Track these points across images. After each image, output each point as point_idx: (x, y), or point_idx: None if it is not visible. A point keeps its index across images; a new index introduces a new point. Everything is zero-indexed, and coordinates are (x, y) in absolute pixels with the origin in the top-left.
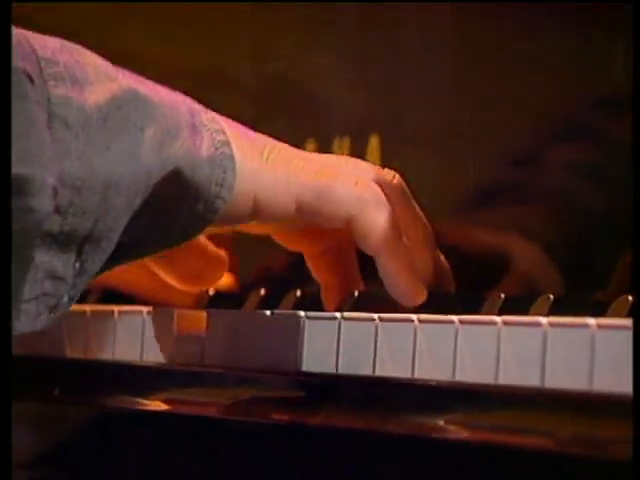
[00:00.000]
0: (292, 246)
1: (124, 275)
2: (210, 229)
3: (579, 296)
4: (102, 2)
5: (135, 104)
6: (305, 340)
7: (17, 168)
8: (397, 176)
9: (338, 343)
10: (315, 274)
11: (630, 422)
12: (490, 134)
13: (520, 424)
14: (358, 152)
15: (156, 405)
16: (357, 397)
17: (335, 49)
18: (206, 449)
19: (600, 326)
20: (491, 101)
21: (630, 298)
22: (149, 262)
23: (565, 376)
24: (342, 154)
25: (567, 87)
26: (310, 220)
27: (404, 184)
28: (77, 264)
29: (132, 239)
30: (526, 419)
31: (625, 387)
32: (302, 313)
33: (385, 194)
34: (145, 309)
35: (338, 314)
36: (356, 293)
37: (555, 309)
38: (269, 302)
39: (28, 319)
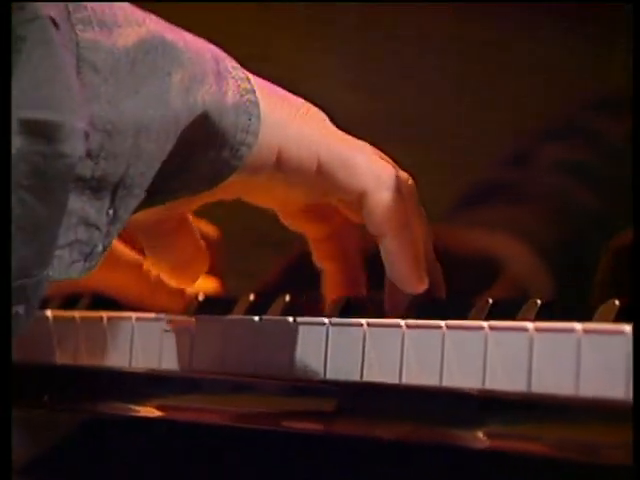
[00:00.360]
0: (297, 226)
1: (112, 279)
2: (234, 183)
3: (566, 301)
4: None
5: (162, 49)
6: (293, 346)
7: (46, 114)
8: (411, 178)
9: (326, 348)
10: (317, 259)
11: (618, 426)
12: (487, 136)
13: (507, 429)
14: None
15: (146, 411)
16: (345, 403)
17: (332, 51)
18: (196, 455)
19: (586, 331)
20: (490, 103)
21: (617, 302)
22: (145, 248)
23: (552, 381)
24: None
25: (564, 87)
26: (326, 185)
27: (415, 188)
28: (110, 211)
29: (160, 183)
30: (513, 424)
31: (611, 392)
32: (290, 318)
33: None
34: (134, 315)
35: (326, 320)
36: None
37: (542, 314)
38: (258, 307)
39: (62, 265)
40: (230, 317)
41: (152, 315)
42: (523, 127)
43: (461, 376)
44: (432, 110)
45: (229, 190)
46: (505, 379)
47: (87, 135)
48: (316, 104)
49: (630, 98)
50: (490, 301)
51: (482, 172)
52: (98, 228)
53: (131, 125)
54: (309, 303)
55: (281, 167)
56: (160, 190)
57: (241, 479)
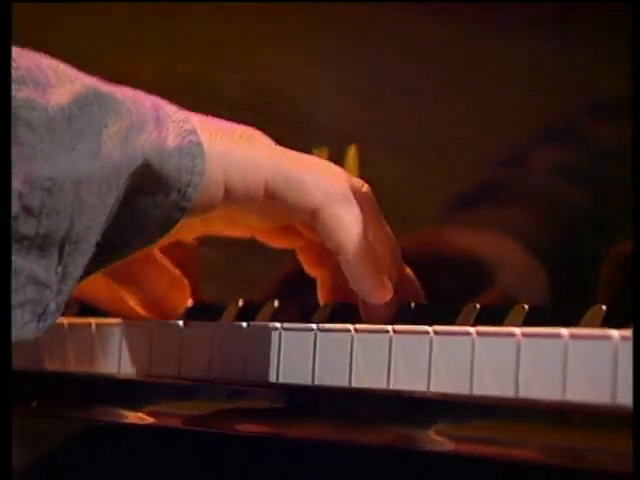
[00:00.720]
0: (274, 243)
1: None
2: (194, 230)
3: (553, 306)
4: (95, 2)
5: (98, 101)
6: (281, 351)
7: None
8: (366, 185)
9: (314, 354)
10: (306, 268)
11: (604, 431)
12: (471, 143)
13: (495, 434)
14: (337, 162)
15: (135, 417)
16: (333, 408)
17: (315, 60)
18: (186, 461)
19: (573, 336)
20: (472, 111)
21: (604, 308)
22: (118, 288)
23: (539, 386)
24: None
25: (550, 91)
26: (277, 208)
27: (372, 194)
28: (59, 269)
29: (112, 239)
30: (500, 429)
31: (598, 397)
32: (278, 324)
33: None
34: (123, 321)
35: (314, 325)
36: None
37: (530, 319)
38: (247, 313)
39: (15, 327)
40: (219, 323)
41: (140, 321)
42: (517, 132)
43: (449, 381)
44: (411, 120)
45: (189, 230)
46: (493, 384)
47: (21, 195)
48: (294, 114)
49: (630, 98)
50: (477, 306)
51: (473, 176)
52: (48, 286)
53: (70, 180)
54: (298, 309)
55: (231, 198)
56: (115, 244)
57: None
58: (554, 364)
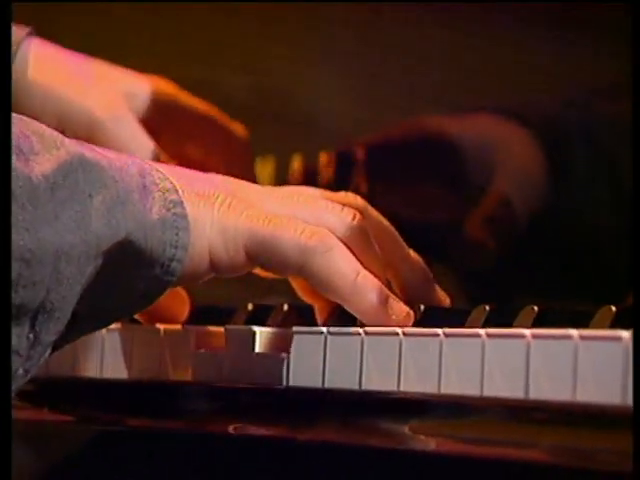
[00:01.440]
0: (266, 275)
1: None
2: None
3: (563, 307)
4: (96, 1)
5: (83, 169)
6: (291, 355)
7: None
8: (355, 215)
9: (324, 357)
10: (303, 297)
11: (615, 432)
12: (479, 143)
13: (505, 435)
14: (343, 165)
15: (145, 422)
16: (344, 411)
17: (323, 63)
18: (192, 464)
19: (583, 337)
20: (482, 109)
21: (613, 308)
22: None
23: (549, 387)
24: (328, 168)
25: (553, 91)
26: (263, 270)
27: (361, 224)
28: (31, 335)
29: (90, 308)
30: (511, 430)
31: (608, 398)
32: (288, 328)
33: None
34: (132, 326)
35: (324, 329)
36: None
37: (539, 321)
38: (257, 317)
39: None
40: (229, 327)
41: (151, 326)
42: (515, 135)
43: (459, 383)
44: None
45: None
46: (503, 386)
47: None
48: (303, 118)
49: (630, 98)
50: (487, 308)
51: (477, 177)
52: (18, 353)
53: (51, 252)
54: (307, 312)
55: (216, 267)
56: (95, 313)
57: None
58: (564, 365)
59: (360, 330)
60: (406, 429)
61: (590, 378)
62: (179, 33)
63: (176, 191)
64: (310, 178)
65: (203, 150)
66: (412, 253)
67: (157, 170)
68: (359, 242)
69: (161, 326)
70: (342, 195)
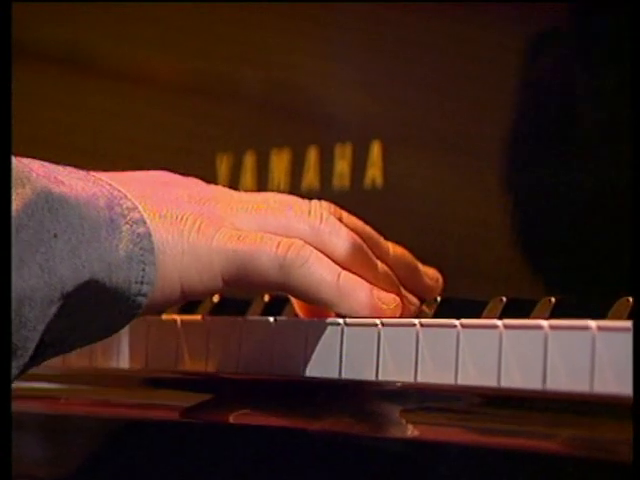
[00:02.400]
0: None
1: None
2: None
3: (580, 299)
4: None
5: (49, 207)
6: (308, 346)
7: None
8: (322, 218)
9: (341, 348)
10: (298, 312)
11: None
12: (494, 137)
13: (522, 427)
14: (360, 158)
15: (161, 412)
16: (360, 402)
17: (337, 55)
18: (213, 456)
19: (600, 328)
20: (495, 104)
21: (630, 300)
22: None
23: (566, 378)
24: (344, 161)
25: (567, 88)
26: (242, 290)
27: (330, 225)
28: None
29: (52, 339)
30: (528, 421)
31: (626, 389)
32: (305, 319)
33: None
34: (150, 317)
35: (340, 320)
36: None
37: (556, 312)
38: (273, 308)
39: None
40: (245, 318)
41: (168, 317)
42: (527, 128)
43: (476, 374)
44: (435, 115)
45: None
46: (520, 377)
47: None
48: (318, 111)
49: (630, 98)
50: (504, 299)
51: (486, 175)
52: None
53: (15, 297)
54: None
55: (190, 294)
56: (58, 343)
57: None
58: (581, 356)
59: (377, 321)
60: (422, 420)
61: (607, 369)
62: (194, 27)
63: (144, 223)
64: (326, 171)
65: None
66: (392, 246)
67: (126, 198)
68: (331, 243)
69: (178, 317)
70: (312, 203)
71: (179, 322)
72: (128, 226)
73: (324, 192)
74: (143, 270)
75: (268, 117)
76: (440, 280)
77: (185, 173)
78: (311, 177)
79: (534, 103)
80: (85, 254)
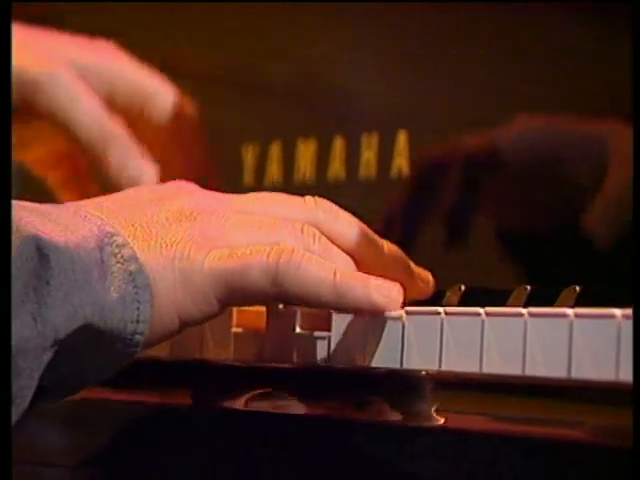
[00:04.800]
0: None
1: None
2: None
3: (605, 287)
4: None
5: (39, 255)
6: (332, 335)
7: None
8: (315, 236)
9: (365, 336)
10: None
11: None
12: (519, 125)
13: (547, 415)
14: (386, 148)
15: (188, 399)
16: (385, 390)
17: (363, 45)
18: (229, 442)
19: (626, 317)
20: (522, 95)
21: None
22: None
23: (591, 367)
24: (370, 151)
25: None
26: (241, 306)
27: (322, 244)
28: None
29: (54, 384)
30: (553, 410)
31: None
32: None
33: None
34: None
35: None
36: None
37: (581, 301)
38: None
39: None
40: (270, 306)
41: None
42: (552, 120)
43: (501, 363)
44: (461, 105)
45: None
46: (545, 365)
47: None
48: (344, 100)
49: (630, 98)
50: (528, 288)
51: (517, 160)
52: None
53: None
54: None
55: (188, 322)
56: (58, 387)
57: (289, 466)
58: (607, 345)
59: (401, 310)
60: (445, 408)
61: (632, 357)
62: (221, 18)
63: (136, 259)
64: (352, 160)
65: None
66: (387, 245)
67: (117, 234)
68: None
69: None
70: (306, 200)
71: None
72: (120, 265)
73: (350, 182)
74: (138, 309)
75: (294, 107)
76: (431, 283)
77: (212, 163)
78: (337, 167)
79: (562, 94)
80: (78, 299)
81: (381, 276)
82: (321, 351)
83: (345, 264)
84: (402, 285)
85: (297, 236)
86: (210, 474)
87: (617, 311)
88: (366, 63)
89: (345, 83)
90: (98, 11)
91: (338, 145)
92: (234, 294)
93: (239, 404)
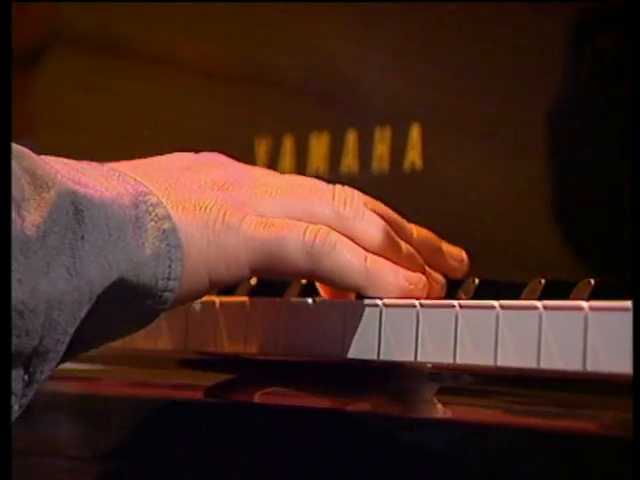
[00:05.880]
0: None
1: None
2: None
3: (619, 280)
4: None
5: (75, 209)
6: (346, 327)
7: None
8: (346, 202)
9: (380, 329)
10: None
11: None
12: (533, 122)
13: (563, 408)
14: (399, 142)
15: (199, 394)
16: (399, 383)
17: (375, 39)
18: (250, 436)
19: None
20: (535, 90)
21: None
22: None
23: (607, 360)
24: (383, 144)
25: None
26: (269, 276)
27: (354, 209)
28: (26, 377)
29: (81, 338)
30: (569, 403)
31: None
32: (343, 301)
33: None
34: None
35: (379, 301)
36: None
37: (596, 294)
38: (309, 290)
39: None
40: (283, 299)
41: (206, 298)
42: (565, 114)
43: (516, 356)
44: (474, 98)
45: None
46: (560, 358)
47: None
48: (357, 94)
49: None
50: (542, 281)
51: (525, 161)
52: (14, 393)
53: (43, 302)
54: None
55: (218, 285)
56: (87, 341)
57: (288, 458)
58: (622, 337)
59: (416, 302)
60: (461, 401)
61: (633, 351)
62: (233, 13)
63: (170, 218)
64: (365, 154)
65: None
66: (416, 229)
67: (150, 193)
68: (355, 227)
69: (216, 298)
70: (336, 187)
71: (218, 304)
72: (153, 223)
73: (363, 175)
74: (169, 266)
75: (307, 101)
76: (465, 259)
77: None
78: (350, 161)
79: (574, 91)
80: (112, 254)
81: (413, 258)
82: (335, 344)
83: (377, 228)
84: (434, 265)
85: (329, 203)
86: (223, 467)
87: (631, 304)
88: (379, 56)
89: (358, 76)
90: (107, 5)
91: (351, 139)
92: (266, 265)
93: (253, 397)
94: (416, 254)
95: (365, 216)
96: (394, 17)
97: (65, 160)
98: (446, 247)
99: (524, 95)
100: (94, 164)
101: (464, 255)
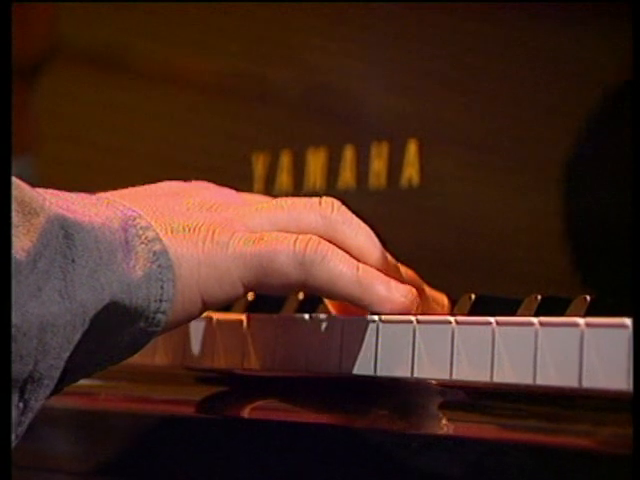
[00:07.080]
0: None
1: None
2: None
3: (616, 297)
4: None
5: (65, 233)
6: (343, 343)
7: None
8: (333, 205)
9: (376, 345)
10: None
11: None
12: (531, 137)
13: (559, 424)
14: (396, 157)
15: (196, 410)
16: (396, 399)
17: (371, 54)
18: (248, 452)
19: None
20: (533, 105)
21: None
22: None
23: (603, 376)
24: (381, 160)
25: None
26: (262, 291)
27: (341, 214)
28: (20, 404)
29: (75, 365)
30: (565, 419)
31: None
32: (340, 316)
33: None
34: None
35: (376, 317)
36: None
37: (592, 310)
38: (307, 306)
39: None
40: (280, 315)
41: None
42: (563, 127)
43: (512, 372)
44: (471, 113)
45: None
46: (556, 375)
47: None
48: (354, 109)
49: (630, 98)
50: (539, 297)
51: (522, 173)
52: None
53: (35, 326)
54: None
55: (212, 305)
56: (79, 367)
57: (286, 474)
58: (618, 354)
59: (412, 318)
60: (457, 417)
61: (633, 367)
62: (231, 28)
63: (159, 240)
64: (362, 170)
65: None
66: (402, 268)
67: (140, 217)
68: (344, 233)
69: (214, 314)
70: (323, 197)
71: (215, 320)
72: (144, 245)
73: (360, 191)
74: (162, 287)
75: (304, 116)
76: (446, 305)
77: (222, 172)
78: (347, 176)
79: (572, 104)
80: (104, 277)
81: (398, 269)
82: (332, 359)
83: (366, 235)
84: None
85: (315, 209)
86: None
87: (628, 321)
88: (376, 72)
89: (355, 92)
90: (107, 21)
91: (348, 154)
92: (259, 279)
93: (250, 413)
94: (400, 266)
95: (353, 221)
96: (391, 33)
97: (52, 190)
98: (429, 291)
99: (522, 110)
100: (82, 194)
101: (446, 301)
